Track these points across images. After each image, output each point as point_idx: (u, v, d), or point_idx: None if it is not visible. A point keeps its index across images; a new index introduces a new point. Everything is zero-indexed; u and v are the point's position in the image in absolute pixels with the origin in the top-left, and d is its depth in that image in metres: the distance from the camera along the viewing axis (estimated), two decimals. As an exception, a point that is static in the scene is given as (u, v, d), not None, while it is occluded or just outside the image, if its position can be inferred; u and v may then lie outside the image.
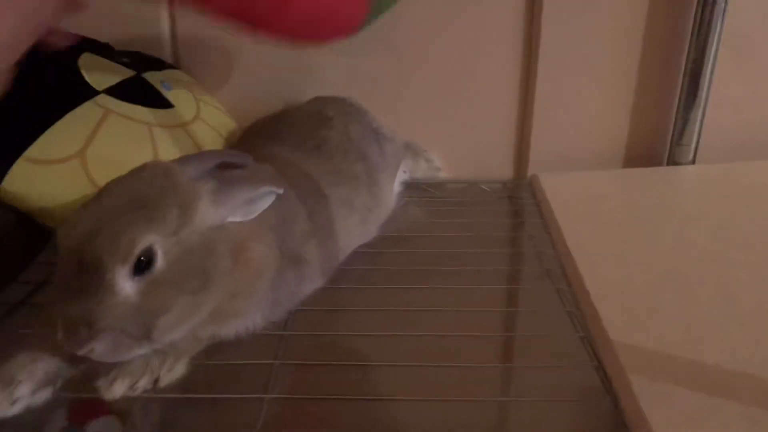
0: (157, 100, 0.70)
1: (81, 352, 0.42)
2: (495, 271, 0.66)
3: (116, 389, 0.44)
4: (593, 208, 0.74)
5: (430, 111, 0.88)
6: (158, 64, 0.78)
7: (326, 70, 0.86)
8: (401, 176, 0.84)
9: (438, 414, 0.47)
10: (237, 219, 0.49)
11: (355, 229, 0.67)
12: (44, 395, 0.45)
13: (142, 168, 0.47)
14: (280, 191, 0.50)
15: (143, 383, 0.45)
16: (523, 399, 0.47)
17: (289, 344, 0.52)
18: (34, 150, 0.59)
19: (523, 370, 0.51)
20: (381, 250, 0.69)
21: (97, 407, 0.85)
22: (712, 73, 0.81)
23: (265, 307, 0.52)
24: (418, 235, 0.74)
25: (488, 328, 0.56)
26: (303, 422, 0.47)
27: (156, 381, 0.46)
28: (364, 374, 0.51)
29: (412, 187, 0.86)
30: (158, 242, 0.43)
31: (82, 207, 0.44)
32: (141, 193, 0.44)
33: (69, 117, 0.61)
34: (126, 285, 0.42)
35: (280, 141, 0.68)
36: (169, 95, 0.72)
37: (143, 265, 0.42)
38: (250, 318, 0.51)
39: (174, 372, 0.47)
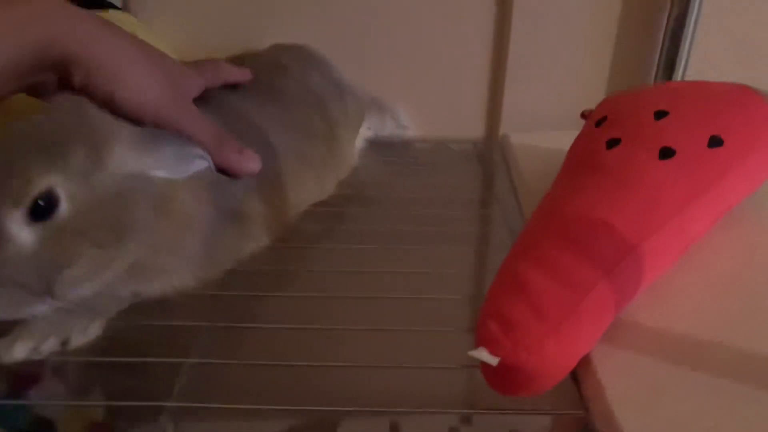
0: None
1: None
2: (461, 234, 0.61)
3: (17, 351, 0.39)
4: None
5: (397, 64, 0.83)
6: (99, 3, 0.71)
7: (287, 17, 0.80)
8: (365, 133, 0.79)
9: (391, 382, 0.43)
10: (163, 174, 0.43)
11: (309, 185, 0.62)
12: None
13: (53, 107, 0.41)
14: (210, 164, 0.45)
15: (49, 345, 0.40)
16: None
17: (224, 305, 0.48)
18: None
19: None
20: (338, 209, 0.64)
21: (35, 374, 0.81)
22: (694, 31, 0.77)
23: (196, 264, 0.47)
24: (380, 194, 0.70)
25: (452, 291, 0.52)
26: (226, 389, 0.42)
27: (65, 343, 0.41)
28: (305, 338, 0.47)
29: (376, 144, 0.81)
30: (61, 184, 0.38)
31: None
32: (43, 130, 0.39)
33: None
34: (21, 231, 0.37)
35: (232, 89, 0.62)
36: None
37: (42, 209, 0.37)
38: (178, 276, 0.47)
39: (87, 333, 0.42)
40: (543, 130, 0.82)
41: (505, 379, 0.35)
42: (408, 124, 0.84)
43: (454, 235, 0.61)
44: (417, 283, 0.51)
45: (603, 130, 0.50)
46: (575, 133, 0.82)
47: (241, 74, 0.60)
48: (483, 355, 0.34)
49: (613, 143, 0.47)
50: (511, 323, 0.35)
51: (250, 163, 0.48)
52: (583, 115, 0.59)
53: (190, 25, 0.81)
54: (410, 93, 0.84)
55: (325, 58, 0.75)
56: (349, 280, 0.52)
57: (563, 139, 0.77)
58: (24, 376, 0.77)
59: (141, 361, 0.41)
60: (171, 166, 0.43)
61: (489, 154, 0.81)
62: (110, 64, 0.41)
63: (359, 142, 0.77)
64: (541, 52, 0.81)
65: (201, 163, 0.44)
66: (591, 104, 0.84)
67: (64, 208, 0.38)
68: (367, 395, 0.43)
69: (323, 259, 0.57)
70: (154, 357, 0.42)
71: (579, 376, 0.38)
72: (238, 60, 0.71)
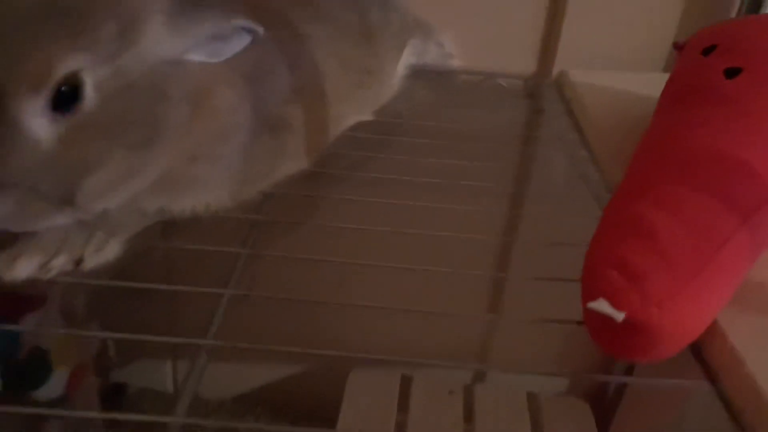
0: None
1: None
2: (516, 172, 0.55)
3: (20, 268, 0.32)
4: (634, 113, 0.62)
5: (448, -15, 0.74)
6: None
7: None
8: (407, 58, 0.71)
9: (430, 324, 0.37)
10: (199, 58, 0.36)
11: (349, 93, 0.54)
12: None
13: None
14: (259, 31, 0.37)
15: (59, 263, 0.33)
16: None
17: (261, 232, 0.41)
18: None
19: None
20: (378, 135, 0.57)
21: (33, 298, 0.74)
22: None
23: (232, 179, 0.40)
24: (420, 125, 0.62)
25: (482, 232, 0.45)
26: (266, 325, 0.36)
27: (79, 262, 0.34)
28: (344, 274, 0.40)
29: (418, 73, 0.73)
30: (88, 68, 0.30)
31: None
32: None
33: None
34: (39, 125, 0.30)
35: None
36: None
37: (65, 98, 0.30)
38: (213, 191, 0.39)
39: (104, 252, 0.35)
40: (601, 69, 0.74)
41: (624, 338, 0.29)
42: (454, 52, 0.75)
43: (493, 172, 0.55)
44: (448, 221, 0.46)
45: (715, 59, 0.43)
46: (646, 76, 0.75)
47: None
48: (605, 307, 0.28)
49: (733, 72, 0.40)
50: (637, 274, 0.29)
51: None
52: (677, 46, 0.51)
53: None
54: (459, 18, 0.75)
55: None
56: (381, 212, 0.46)
57: (630, 81, 0.69)
58: (22, 299, 0.71)
59: (171, 289, 0.34)
60: (209, 48, 0.35)
61: (540, 92, 0.73)
62: None
63: (401, 68, 0.69)
64: (610, -18, 0.72)
65: (243, 40, 0.36)
66: (660, 44, 0.76)
67: (90, 98, 0.30)
68: (382, 345, 0.37)
69: (357, 189, 0.51)
70: (183, 285, 0.35)
71: (701, 341, 0.32)
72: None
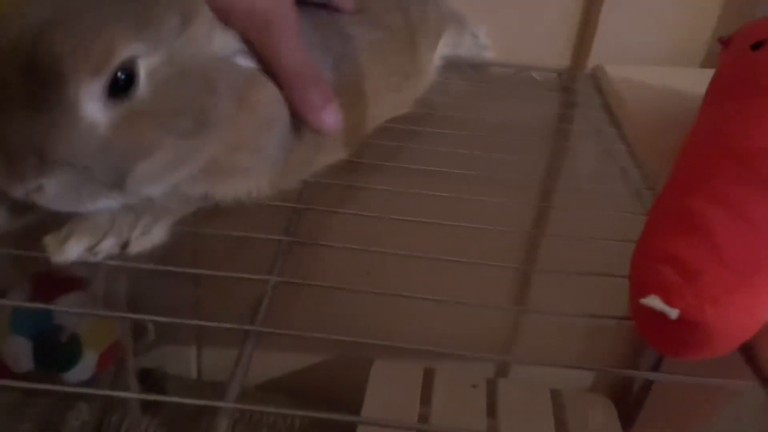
0: None
1: (23, 191, 0.30)
2: (549, 165, 0.54)
3: (70, 250, 0.32)
4: (673, 108, 0.61)
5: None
6: None
7: None
8: (441, 49, 0.70)
9: (454, 317, 0.37)
10: (247, 63, 0.36)
11: (389, 96, 0.54)
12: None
13: None
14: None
15: (107, 246, 0.33)
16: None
17: (302, 220, 0.41)
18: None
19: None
20: (412, 126, 0.57)
21: (66, 281, 0.75)
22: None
23: (272, 170, 0.40)
24: (455, 116, 0.62)
25: (512, 225, 0.45)
26: (310, 309, 0.36)
27: (125, 245, 0.34)
28: (372, 264, 0.40)
29: (451, 65, 0.72)
30: (144, 56, 0.30)
31: None
32: None
33: None
34: (96, 108, 0.30)
35: None
36: None
37: (121, 84, 0.30)
38: (255, 179, 0.40)
39: (150, 236, 0.35)
40: (637, 64, 0.73)
41: (677, 336, 0.28)
42: (488, 44, 0.75)
43: (527, 164, 0.54)
44: (479, 213, 0.45)
45: (765, 54, 0.42)
46: (684, 71, 0.74)
47: None
48: (657, 303, 0.27)
49: (785, 69, 0.39)
50: (691, 270, 0.28)
51: (330, 118, 0.40)
52: (723, 41, 0.50)
53: None
54: (493, 10, 0.74)
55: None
56: (412, 202, 0.46)
57: (668, 76, 0.68)
58: (55, 281, 0.72)
59: (222, 275, 0.35)
60: (256, 57, 0.36)
61: (574, 86, 0.72)
62: None
63: (436, 59, 0.68)
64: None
65: None
66: (698, 39, 0.75)
67: (143, 85, 0.31)
68: (407, 336, 0.37)
69: (390, 179, 0.51)
70: (230, 271, 0.35)
71: (753, 341, 0.31)
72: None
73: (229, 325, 0.30)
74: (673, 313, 0.27)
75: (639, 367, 0.83)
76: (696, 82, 0.67)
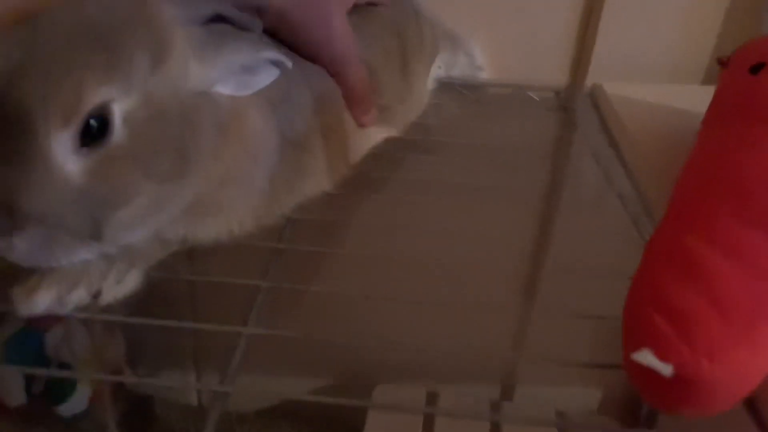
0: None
1: None
2: (547, 188, 0.53)
3: (38, 302, 0.31)
4: (673, 127, 0.59)
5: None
6: None
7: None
8: (436, 71, 0.69)
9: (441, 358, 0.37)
10: (228, 91, 0.35)
11: (379, 116, 0.52)
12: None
13: None
14: (289, 65, 0.36)
15: (77, 297, 0.32)
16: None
17: (282, 261, 0.39)
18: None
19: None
20: (401, 154, 0.56)
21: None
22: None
23: (259, 202, 0.39)
24: (448, 141, 0.60)
25: (509, 254, 0.44)
26: (287, 361, 0.35)
27: (97, 295, 0.33)
28: (364, 307, 0.39)
29: (445, 86, 0.71)
30: (117, 99, 0.29)
31: (2, 34, 0.29)
32: (96, 24, 0.29)
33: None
34: (67, 158, 0.29)
35: None
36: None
37: (94, 131, 0.29)
38: (237, 215, 0.38)
39: (124, 285, 0.34)
40: (636, 82, 0.72)
41: (672, 392, 0.26)
42: (483, 64, 0.73)
43: (524, 187, 0.53)
44: (472, 245, 0.43)
45: (765, 77, 0.40)
46: (684, 89, 0.72)
47: None
48: (650, 359, 0.26)
49: (785, 94, 0.38)
50: (687, 320, 0.26)
51: (372, 118, 0.49)
52: (721, 62, 0.49)
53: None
54: (488, 29, 0.73)
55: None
56: (403, 238, 0.44)
57: (668, 94, 0.67)
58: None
59: (196, 327, 0.33)
60: (237, 81, 0.35)
61: (573, 105, 0.71)
62: None
63: (430, 82, 0.67)
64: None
65: (271, 73, 0.35)
66: (698, 56, 0.73)
67: (119, 130, 0.29)
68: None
69: (379, 212, 0.49)
70: (204, 323, 0.33)
71: (756, 394, 0.30)
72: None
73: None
74: (667, 369, 0.25)
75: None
76: (697, 99, 0.65)
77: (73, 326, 0.70)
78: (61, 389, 0.72)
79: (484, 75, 0.74)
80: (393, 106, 0.55)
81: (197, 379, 0.94)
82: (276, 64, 0.35)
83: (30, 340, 0.71)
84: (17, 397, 0.70)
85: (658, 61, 0.72)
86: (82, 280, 0.32)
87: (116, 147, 0.30)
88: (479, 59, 0.73)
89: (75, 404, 0.73)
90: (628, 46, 0.72)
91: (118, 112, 0.29)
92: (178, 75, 0.32)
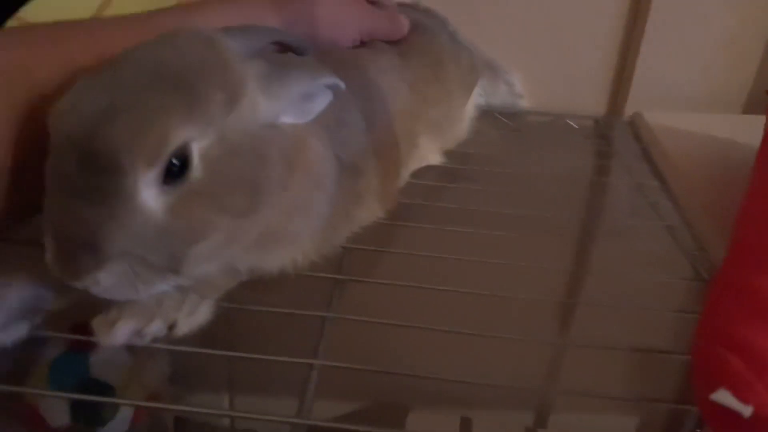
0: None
1: (80, 285, 0.30)
2: (591, 220, 0.53)
3: (118, 334, 0.32)
4: (716, 156, 0.60)
5: (516, 25, 0.73)
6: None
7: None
8: (476, 98, 0.70)
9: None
10: (291, 120, 0.36)
11: (421, 136, 0.54)
12: (16, 332, 0.33)
13: (175, 34, 0.33)
14: (341, 86, 0.37)
15: (154, 329, 0.33)
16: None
17: (344, 291, 0.40)
18: (29, 11, 0.46)
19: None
20: (441, 183, 0.57)
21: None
22: None
23: (321, 232, 0.40)
24: (490, 169, 0.61)
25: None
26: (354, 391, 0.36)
27: (172, 327, 0.34)
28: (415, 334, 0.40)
29: (486, 114, 0.72)
30: (197, 138, 0.30)
31: (88, 78, 0.31)
32: (174, 67, 0.31)
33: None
34: (151, 197, 0.30)
35: None
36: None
37: (175, 170, 0.30)
38: (302, 245, 0.39)
39: (196, 316, 0.35)
40: (675, 110, 0.72)
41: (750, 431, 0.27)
42: (523, 92, 0.74)
43: (560, 220, 0.53)
44: (509, 276, 0.44)
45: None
46: (725, 118, 0.72)
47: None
48: (729, 400, 0.26)
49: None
50: (763, 360, 0.27)
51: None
52: (770, 95, 0.49)
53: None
54: (528, 57, 0.74)
55: (438, 12, 0.66)
56: (441, 267, 0.45)
57: (709, 123, 0.67)
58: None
59: (264, 359, 0.34)
60: (298, 109, 0.36)
61: (611, 133, 0.71)
62: None
63: (470, 109, 0.68)
64: (688, 21, 0.70)
65: (327, 97, 0.37)
66: (739, 85, 0.74)
67: (197, 167, 0.31)
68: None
69: (419, 241, 0.50)
70: (276, 350, 0.34)
71: None
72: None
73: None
74: (747, 411, 0.26)
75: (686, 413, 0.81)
76: (738, 128, 0.66)
77: (119, 350, 0.71)
78: (103, 411, 0.73)
79: (524, 103, 0.75)
80: (433, 135, 0.56)
81: (230, 404, 0.95)
82: (330, 86, 0.37)
83: (75, 362, 0.73)
84: (61, 417, 0.71)
85: (697, 90, 0.73)
86: (158, 312, 0.33)
87: (194, 184, 0.31)
88: (519, 88, 0.74)
89: (118, 425, 0.74)
90: (666, 74, 0.72)
91: (197, 151, 0.31)
92: (249, 112, 0.33)
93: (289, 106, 0.35)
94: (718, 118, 0.69)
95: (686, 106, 0.73)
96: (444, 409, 0.85)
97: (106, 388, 0.74)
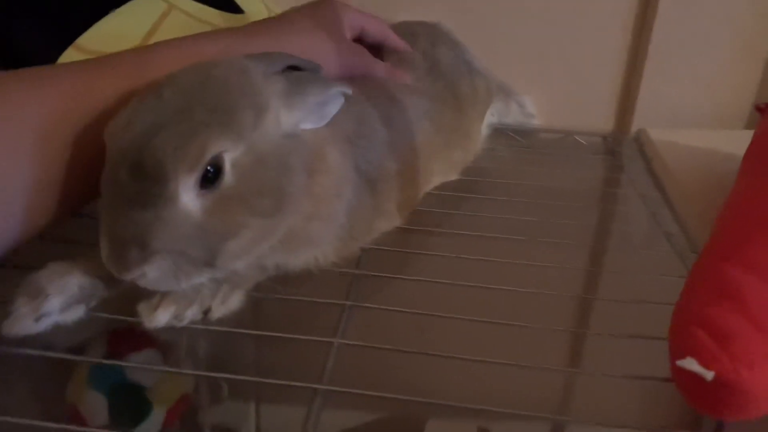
0: (226, 3, 0.62)
1: (129, 277, 0.35)
2: (596, 228, 0.56)
3: (159, 317, 0.37)
4: (717, 171, 0.63)
5: (527, 49, 0.78)
6: None
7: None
8: (489, 119, 0.74)
9: (508, 378, 0.40)
10: (310, 126, 0.41)
11: (438, 152, 0.58)
12: (75, 314, 0.38)
13: (213, 64, 0.39)
14: (349, 92, 0.42)
15: (191, 313, 0.38)
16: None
17: (361, 284, 0.44)
18: (85, 39, 0.51)
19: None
20: (459, 194, 0.61)
21: (140, 338, 0.80)
22: None
23: (340, 236, 0.45)
24: (502, 183, 0.65)
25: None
26: (369, 371, 0.40)
27: (206, 312, 0.39)
28: (426, 326, 0.43)
29: (499, 132, 0.76)
30: (229, 150, 0.35)
31: (138, 100, 0.36)
32: (213, 91, 0.36)
33: (127, 8, 0.54)
34: (191, 199, 0.35)
35: None
36: (241, 0, 0.64)
37: (210, 177, 0.35)
38: (322, 248, 0.44)
39: (228, 304, 0.39)
40: (678, 127, 0.75)
41: (715, 397, 0.30)
42: (534, 112, 0.79)
43: (574, 228, 0.56)
44: (525, 281, 0.47)
45: (799, 123, 0.44)
46: (727, 134, 0.76)
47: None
48: (694, 366, 0.29)
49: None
50: (726, 334, 0.30)
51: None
52: (759, 109, 0.53)
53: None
54: (538, 79, 0.79)
55: (455, 36, 0.71)
56: (465, 266, 0.49)
57: (712, 139, 0.70)
58: (125, 339, 0.76)
59: (290, 338, 0.38)
60: (315, 116, 0.41)
61: (620, 149, 0.75)
62: None
63: (484, 129, 0.72)
64: (690, 41, 0.74)
65: (339, 101, 0.42)
66: (741, 102, 0.77)
67: (229, 175, 0.36)
68: (460, 397, 0.39)
69: (442, 245, 0.54)
70: (299, 334, 0.39)
71: None
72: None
73: (298, 384, 0.34)
74: (709, 375, 0.29)
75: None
76: (740, 144, 0.69)
77: (153, 353, 0.75)
78: (138, 413, 0.77)
79: (535, 122, 0.79)
80: (449, 139, 0.60)
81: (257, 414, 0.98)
82: (342, 93, 0.41)
83: (112, 365, 0.77)
84: (101, 417, 0.76)
85: (700, 107, 0.76)
86: (195, 299, 0.38)
87: (227, 189, 0.36)
88: (530, 108, 0.78)
89: (150, 427, 0.78)
90: (671, 93, 0.76)
91: (228, 161, 0.36)
92: (273, 124, 0.38)
93: (308, 114, 0.41)
94: (720, 134, 0.72)
95: (689, 123, 0.76)
96: (462, 419, 0.87)
97: (140, 390, 0.78)
